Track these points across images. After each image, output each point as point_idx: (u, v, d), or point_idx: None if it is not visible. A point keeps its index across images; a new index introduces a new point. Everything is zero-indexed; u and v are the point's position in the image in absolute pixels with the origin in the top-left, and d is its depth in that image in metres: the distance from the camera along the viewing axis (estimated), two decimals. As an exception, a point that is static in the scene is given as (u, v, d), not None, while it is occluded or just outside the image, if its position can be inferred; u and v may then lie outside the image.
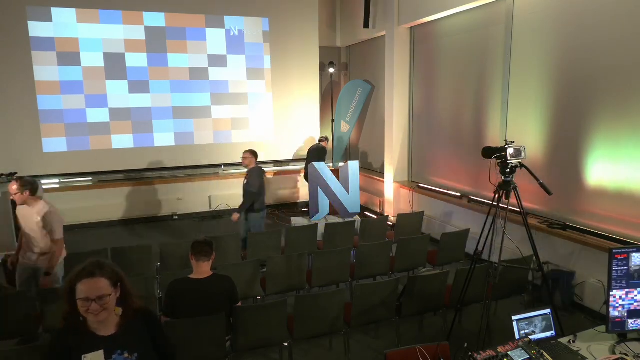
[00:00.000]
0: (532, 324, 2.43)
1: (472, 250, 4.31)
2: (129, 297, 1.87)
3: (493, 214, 3.57)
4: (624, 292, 2.33)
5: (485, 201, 5.61)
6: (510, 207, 3.99)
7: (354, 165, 6.61)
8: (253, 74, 8.66)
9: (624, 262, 2.31)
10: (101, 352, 1.77)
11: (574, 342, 2.38)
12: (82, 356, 1.74)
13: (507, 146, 3.50)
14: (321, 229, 5.53)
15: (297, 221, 6.62)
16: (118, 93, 7.82)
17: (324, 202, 6.50)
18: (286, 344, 3.36)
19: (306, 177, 7.96)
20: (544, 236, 4.66)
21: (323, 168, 6.47)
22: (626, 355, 2.22)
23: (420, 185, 7.23)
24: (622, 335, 2.38)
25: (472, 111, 6.16)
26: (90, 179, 7.87)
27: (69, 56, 7.45)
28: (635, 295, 2.34)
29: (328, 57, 9.46)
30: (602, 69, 4.27)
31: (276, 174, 8.90)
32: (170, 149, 8.25)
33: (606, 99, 4.26)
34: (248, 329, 3.15)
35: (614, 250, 2.32)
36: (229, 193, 8.47)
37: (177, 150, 8.28)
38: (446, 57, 6.62)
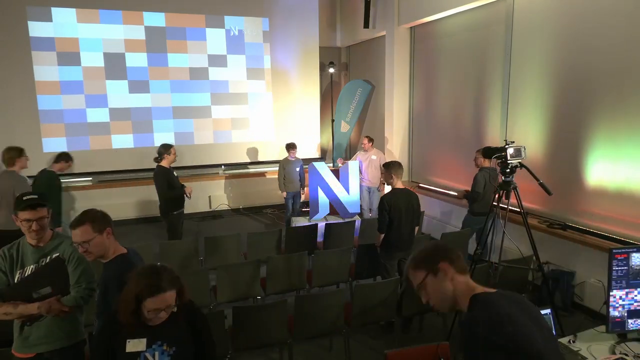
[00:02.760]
0: (532, 324, 2.43)
1: (472, 250, 4.31)
2: (183, 295, 1.88)
3: (493, 214, 3.58)
4: (624, 292, 2.33)
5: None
6: (510, 207, 3.99)
7: (354, 165, 6.62)
8: (253, 74, 8.66)
9: (624, 262, 2.31)
10: (144, 340, 1.84)
11: (574, 342, 2.38)
12: (127, 340, 1.83)
13: (507, 146, 3.51)
14: (321, 229, 5.54)
15: (297, 221, 6.63)
16: (118, 93, 7.82)
17: (324, 202, 6.50)
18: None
19: None
20: (544, 236, 4.66)
21: (323, 168, 6.48)
22: (626, 355, 2.23)
23: (420, 185, 7.22)
24: (622, 335, 2.38)
25: (472, 111, 6.16)
26: (90, 179, 7.86)
27: (69, 56, 7.44)
28: (635, 295, 2.34)
29: (328, 57, 9.45)
30: (602, 69, 4.26)
31: (275, 173, 8.89)
32: (170, 148, 8.23)
33: (606, 99, 4.26)
34: (248, 329, 3.15)
35: (614, 250, 2.32)
36: (229, 193, 8.47)
37: (177, 150, 8.26)
38: (446, 57, 6.62)
